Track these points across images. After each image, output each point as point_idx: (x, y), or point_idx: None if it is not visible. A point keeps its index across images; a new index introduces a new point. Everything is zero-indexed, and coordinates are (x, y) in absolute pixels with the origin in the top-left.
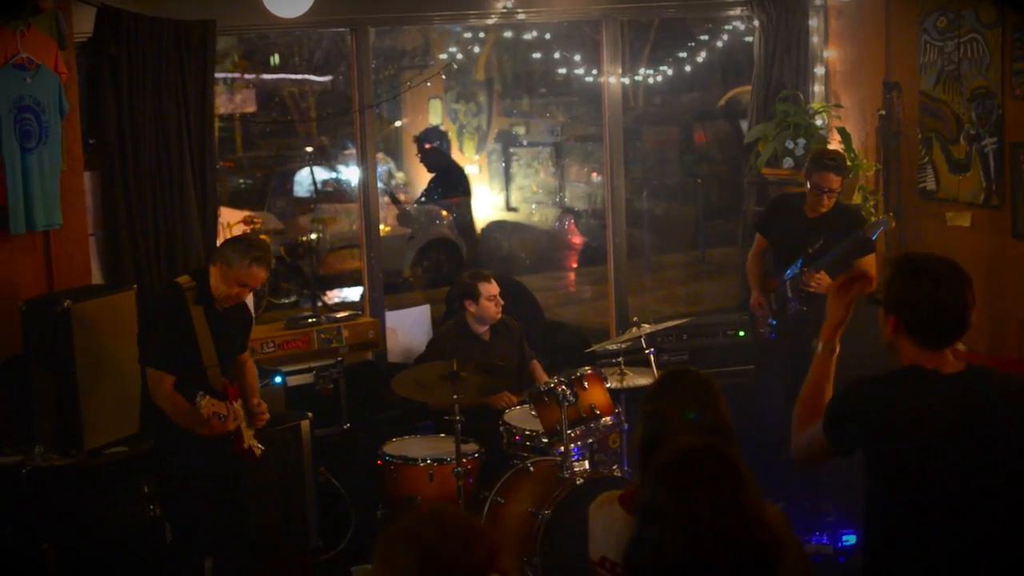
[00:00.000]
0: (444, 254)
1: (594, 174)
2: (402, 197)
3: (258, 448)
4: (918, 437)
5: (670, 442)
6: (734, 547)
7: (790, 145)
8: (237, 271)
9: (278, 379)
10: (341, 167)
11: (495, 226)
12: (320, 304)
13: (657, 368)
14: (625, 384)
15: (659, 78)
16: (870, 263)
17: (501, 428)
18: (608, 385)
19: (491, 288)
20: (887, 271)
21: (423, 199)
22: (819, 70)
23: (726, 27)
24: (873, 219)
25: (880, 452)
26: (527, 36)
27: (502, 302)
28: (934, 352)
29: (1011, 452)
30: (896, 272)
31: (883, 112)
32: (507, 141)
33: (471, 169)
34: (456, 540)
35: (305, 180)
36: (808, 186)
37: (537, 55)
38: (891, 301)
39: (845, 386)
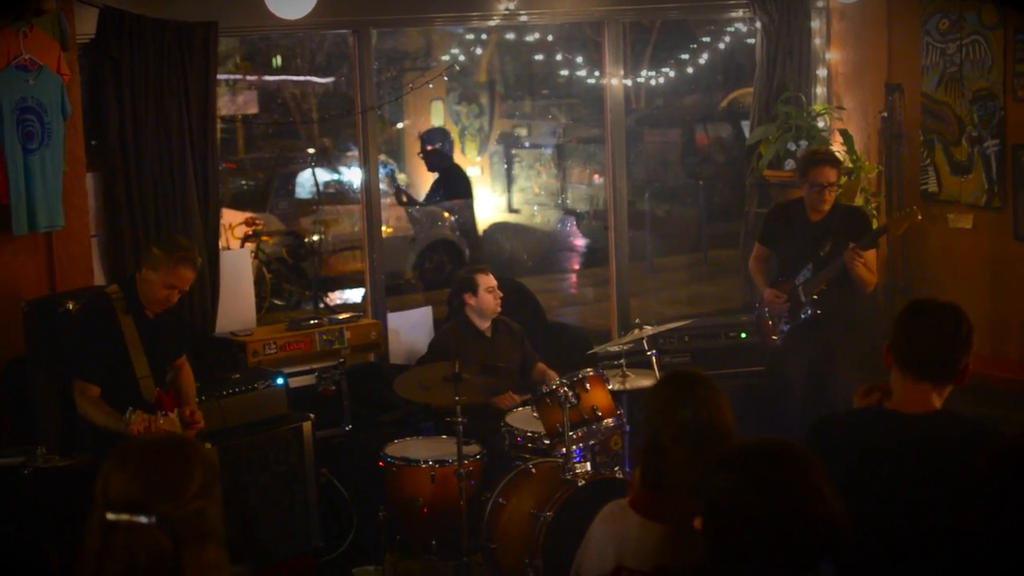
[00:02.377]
0: (446, 255)
1: (596, 176)
2: (404, 199)
3: None
4: (864, 475)
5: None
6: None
7: (792, 147)
8: (163, 273)
9: (280, 380)
10: (343, 169)
11: (497, 228)
12: (322, 305)
13: (659, 370)
14: (627, 386)
15: (661, 80)
16: (872, 256)
17: (503, 430)
18: (610, 387)
19: (489, 280)
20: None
21: (426, 201)
22: (821, 72)
23: (728, 29)
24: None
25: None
26: (529, 38)
27: (501, 294)
28: (914, 384)
29: (958, 498)
30: (899, 313)
31: (885, 114)
32: (509, 143)
33: (473, 171)
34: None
35: (307, 182)
36: (806, 187)
37: (539, 57)
38: (890, 336)
39: (810, 427)
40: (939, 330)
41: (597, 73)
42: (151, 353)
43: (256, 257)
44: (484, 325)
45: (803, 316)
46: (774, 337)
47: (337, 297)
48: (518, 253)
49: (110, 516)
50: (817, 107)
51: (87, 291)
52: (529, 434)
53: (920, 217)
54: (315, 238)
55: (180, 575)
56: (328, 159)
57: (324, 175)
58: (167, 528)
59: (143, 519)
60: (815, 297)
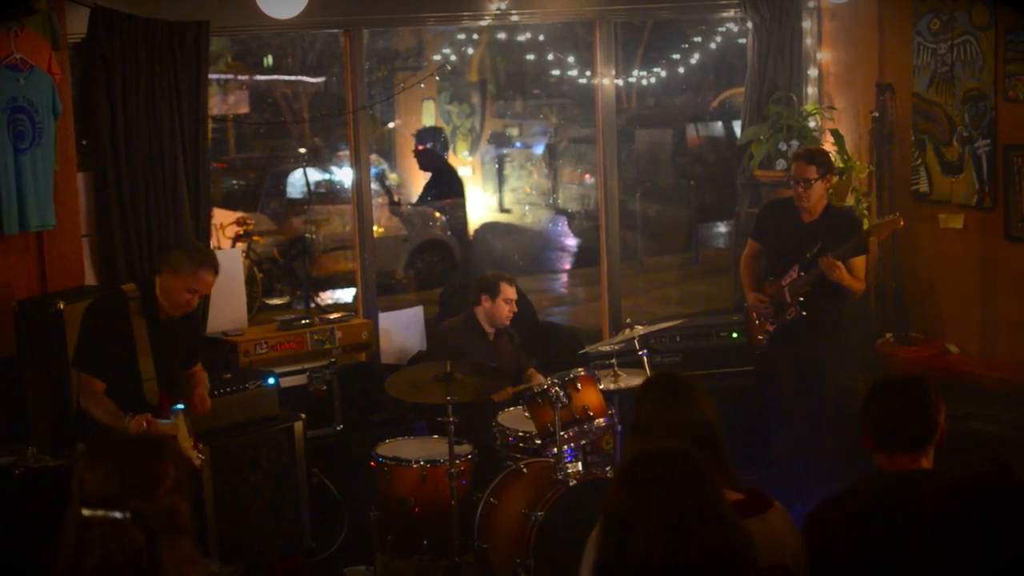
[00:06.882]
0: (437, 255)
1: (587, 175)
2: (395, 199)
3: (197, 459)
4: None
5: (637, 448)
6: (710, 549)
7: (783, 147)
8: (185, 277)
9: (271, 380)
10: (334, 168)
11: (488, 227)
12: (313, 305)
13: (650, 369)
14: (618, 385)
15: (652, 79)
16: (860, 264)
17: (494, 429)
18: (601, 386)
19: (511, 291)
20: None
21: (419, 201)
22: (812, 72)
23: (719, 29)
24: (869, 222)
25: (822, 557)
26: (520, 38)
27: (516, 310)
28: (903, 457)
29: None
30: (867, 397)
31: (876, 114)
32: (500, 143)
33: (464, 171)
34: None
35: (298, 181)
36: (791, 182)
37: (530, 56)
38: (865, 421)
39: (808, 517)
40: (914, 402)
41: (588, 73)
42: (158, 356)
43: (247, 257)
44: (489, 330)
45: (789, 318)
46: (760, 337)
47: (328, 297)
48: (509, 253)
49: (85, 512)
50: (808, 107)
51: (80, 290)
52: (520, 434)
53: (902, 224)
54: (306, 237)
55: (156, 570)
56: (319, 159)
57: (315, 175)
58: (141, 523)
59: (117, 514)
60: (801, 299)
